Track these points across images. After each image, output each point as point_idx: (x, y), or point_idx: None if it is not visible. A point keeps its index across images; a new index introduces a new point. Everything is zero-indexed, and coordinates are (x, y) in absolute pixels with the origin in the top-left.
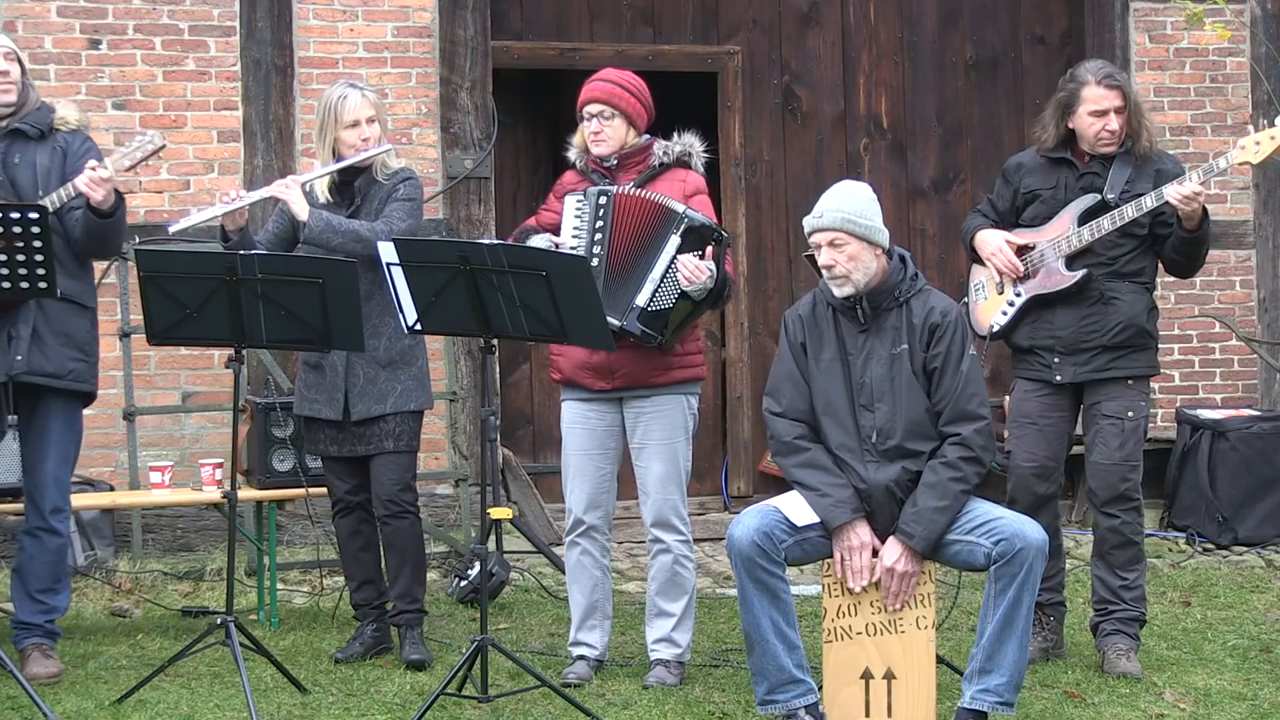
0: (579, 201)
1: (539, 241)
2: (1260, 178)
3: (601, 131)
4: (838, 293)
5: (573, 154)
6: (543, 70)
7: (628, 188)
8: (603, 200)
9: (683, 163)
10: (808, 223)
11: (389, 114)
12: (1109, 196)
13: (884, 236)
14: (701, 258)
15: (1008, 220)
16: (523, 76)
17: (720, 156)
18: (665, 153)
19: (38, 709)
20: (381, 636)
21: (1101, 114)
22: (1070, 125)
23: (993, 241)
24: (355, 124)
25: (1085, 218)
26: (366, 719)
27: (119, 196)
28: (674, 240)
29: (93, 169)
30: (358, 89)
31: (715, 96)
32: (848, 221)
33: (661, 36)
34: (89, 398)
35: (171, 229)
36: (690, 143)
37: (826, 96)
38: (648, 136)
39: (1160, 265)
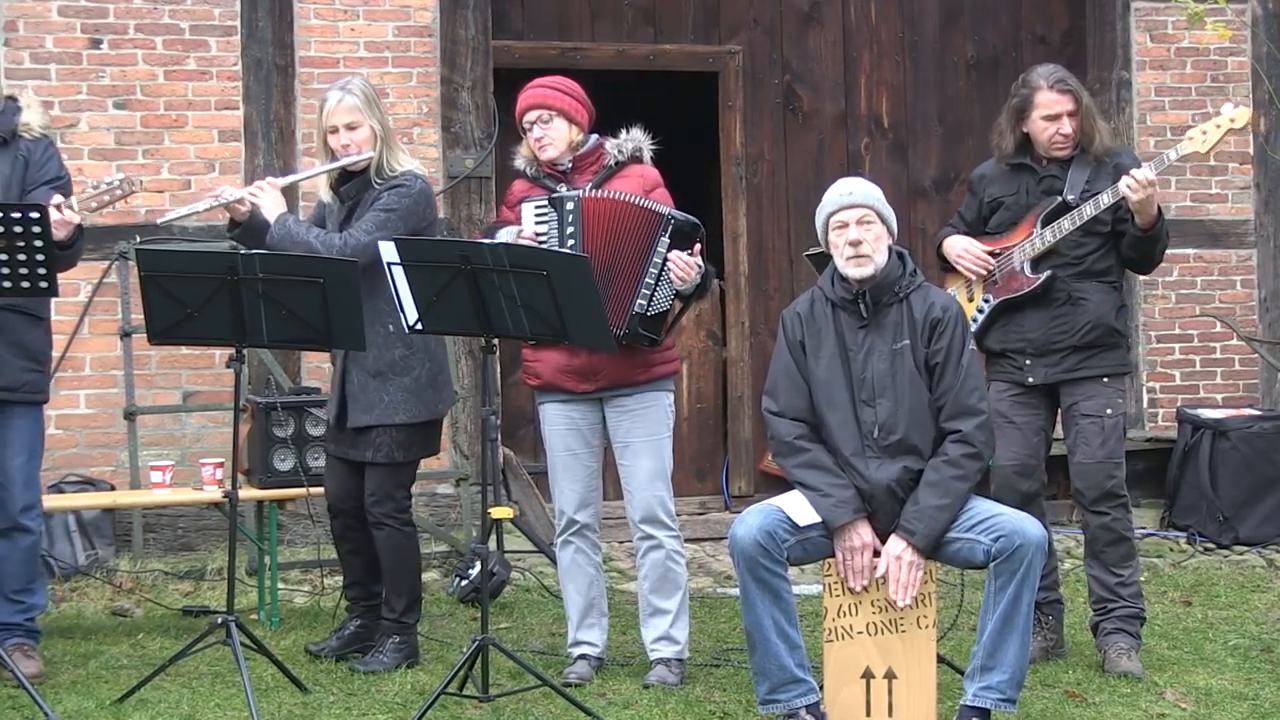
0: (539, 207)
1: (506, 232)
2: (1261, 178)
3: (544, 136)
4: (858, 273)
5: (520, 162)
6: (544, 70)
7: (589, 189)
8: (570, 205)
9: (635, 158)
10: (833, 202)
11: (389, 113)
12: (1069, 197)
13: (895, 228)
14: (690, 253)
15: (976, 230)
16: (524, 76)
17: (721, 156)
18: (619, 150)
19: (38, 708)
20: (363, 634)
21: (1054, 118)
22: (1025, 130)
23: (959, 244)
24: (334, 130)
25: (1048, 220)
26: (367, 718)
27: (79, 228)
28: (664, 242)
29: (58, 208)
30: (342, 91)
31: (716, 96)
32: (877, 200)
33: (662, 36)
34: (44, 402)
35: (159, 221)
36: (639, 138)
37: (827, 96)
38: (595, 136)
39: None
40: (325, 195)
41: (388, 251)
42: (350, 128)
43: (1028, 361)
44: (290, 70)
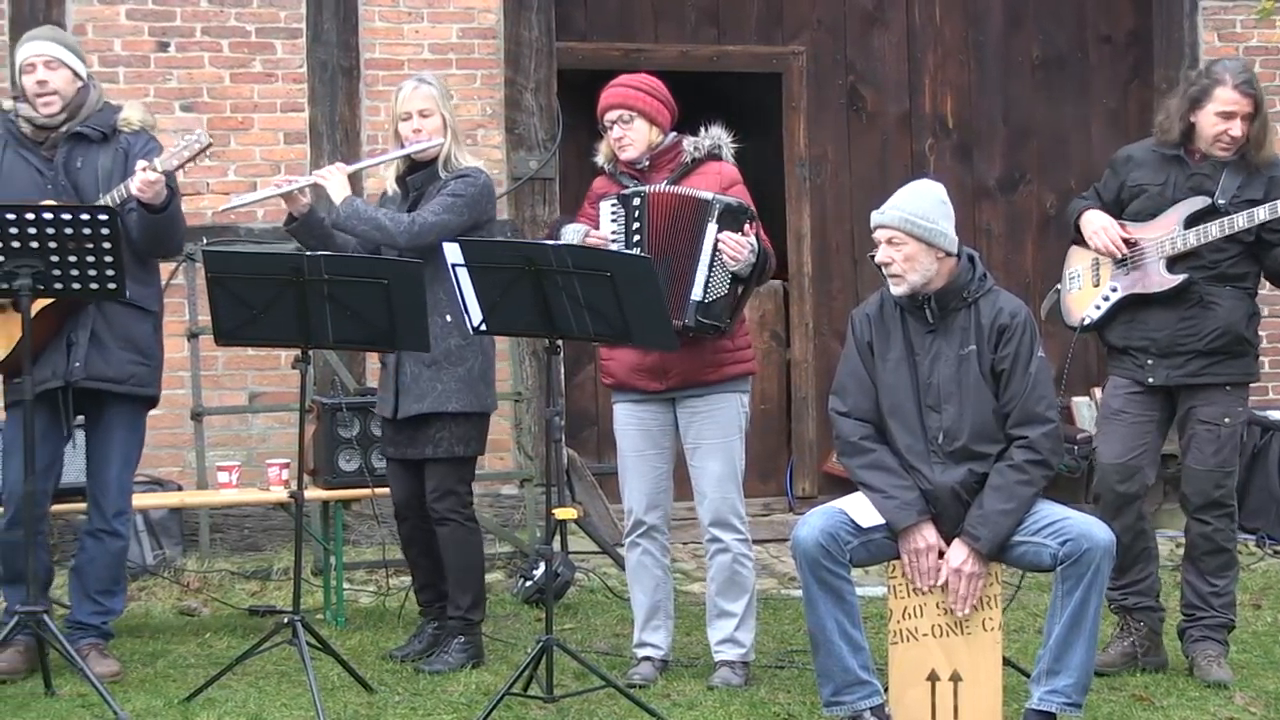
0: (614, 205)
1: (573, 230)
2: None
3: (624, 136)
4: (894, 291)
5: (601, 159)
6: (607, 71)
7: (660, 186)
8: (637, 201)
9: (714, 156)
10: (873, 218)
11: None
12: (1219, 201)
13: (947, 240)
14: (742, 234)
15: (1110, 212)
16: (587, 77)
17: (785, 156)
18: (695, 148)
19: (108, 706)
20: (441, 636)
21: (1228, 116)
22: (1193, 120)
23: (1098, 221)
24: (407, 116)
25: (1192, 220)
26: (433, 718)
27: (171, 192)
28: (712, 228)
29: (143, 169)
30: (418, 80)
31: (780, 96)
32: (907, 221)
33: (726, 37)
34: (152, 401)
35: (221, 208)
36: (718, 135)
37: (891, 96)
38: (674, 134)
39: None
40: (390, 186)
41: (452, 253)
42: (424, 114)
43: (1149, 361)
44: (355, 73)
